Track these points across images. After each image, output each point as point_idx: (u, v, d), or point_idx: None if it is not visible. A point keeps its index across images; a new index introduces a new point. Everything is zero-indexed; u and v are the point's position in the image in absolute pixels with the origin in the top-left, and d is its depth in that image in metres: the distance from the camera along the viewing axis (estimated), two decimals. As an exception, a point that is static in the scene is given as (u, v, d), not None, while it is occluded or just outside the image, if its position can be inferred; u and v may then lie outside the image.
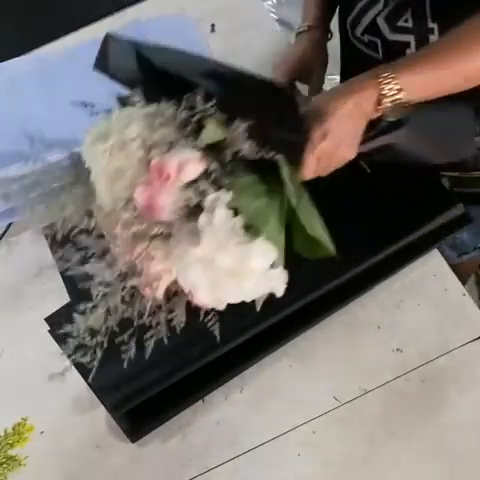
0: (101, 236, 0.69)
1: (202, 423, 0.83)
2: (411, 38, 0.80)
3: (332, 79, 1.21)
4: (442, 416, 0.80)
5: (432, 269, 0.89)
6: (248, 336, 0.80)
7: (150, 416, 0.82)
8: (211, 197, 0.62)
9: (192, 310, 0.69)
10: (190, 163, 0.62)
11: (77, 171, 0.69)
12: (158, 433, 0.83)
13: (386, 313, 0.87)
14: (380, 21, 0.82)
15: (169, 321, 0.70)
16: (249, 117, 0.65)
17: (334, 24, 0.98)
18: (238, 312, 0.69)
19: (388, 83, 0.68)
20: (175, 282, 0.68)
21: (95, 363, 0.70)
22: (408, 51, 0.82)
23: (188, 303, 0.68)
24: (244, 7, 1.27)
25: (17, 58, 1.25)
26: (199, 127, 0.65)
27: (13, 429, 0.85)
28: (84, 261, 0.70)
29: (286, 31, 1.24)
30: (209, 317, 0.70)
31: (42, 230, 0.81)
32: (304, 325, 0.85)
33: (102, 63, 0.72)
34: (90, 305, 0.68)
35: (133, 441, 0.82)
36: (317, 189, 0.72)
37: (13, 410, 0.86)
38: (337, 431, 0.81)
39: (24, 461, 0.83)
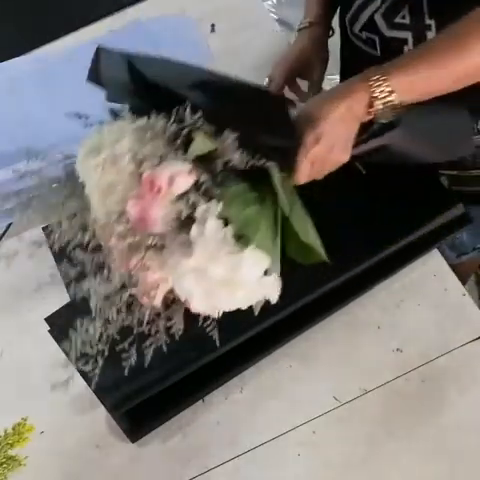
0: (97, 249, 0.70)
1: (202, 423, 0.83)
2: (408, 35, 0.81)
3: (332, 79, 1.21)
4: (442, 416, 0.80)
5: (432, 269, 0.89)
6: (247, 336, 0.80)
7: (150, 416, 0.82)
8: (202, 208, 0.63)
9: (191, 316, 0.69)
10: (181, 175, 0.63)
11: (72, 184, 0.70)
12: (158, 433, 0.83)
13: (386, 313, 0.87)
14: (378, 18, 0.82)
15: (168, 328, 0.70)
16: (241, 126, 0.66)
17: (336, 22, 0.98)
18: (237, 312, 0.69)
19: (379, 85, 0.69)
20: (172, 290, 0.69)
21: (97, 371, 0.71)
22: (406, 48, 0.82)
23: (186, 309, 0.69)
24: (244, 7, 1.27)
25: (17, 58, 1.25)
26: (188, 140, 0.65)
27: (13, 429, 0.85)
28: (81, 277, 0.70)
29: (286, 31, 1.24)
30: (208, 322, 0.70)
31: (42, 230, 0.81)
32: (304, 325, 0.85)
33: (95, 75, 0.72)
34: (88, 319, 0.69)
35: (133, 441, 0.82)
36: (317, 191, 0.73)
37: (13, 410, 0.86)
38: (337, 431, 0.81)
39: (24, 461, 0.83)
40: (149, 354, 0.70)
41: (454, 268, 0.90)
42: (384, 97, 0.69)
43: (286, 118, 0.68)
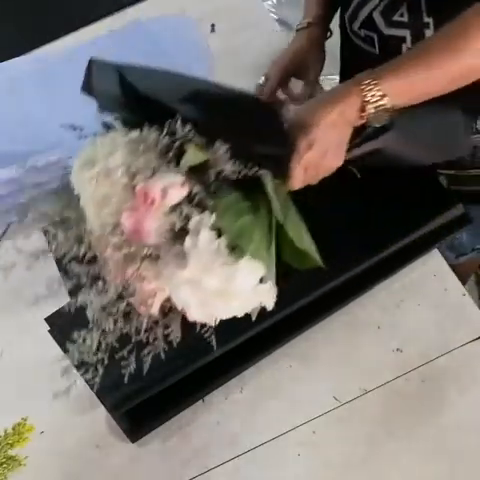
0: (92, 261, 0.70)
1: (202, 423, 0.83)
2: (407, 33, 0.81)
3: (332, 79, 1.21)
4: (442, 416, 0.80)
5: (432, 269, 0.89)
6: (246, 337, 0.80)
7: (150, 416, 0.82)
8: (195, 220, 0.63)
9: (189, 322, 0.69)
10: (174, 187, 0.63)
11: (68, 195, 0.70)
12: (158, 433, 0.83)
13: (386, 313, 0.87)
14: (376, 15, 0.82)
15: (166, 336, 0.71)
16: (233, 135, 0.66)
17: (334, 23, 0.98)
18: None
19: (371, 89, 0.69)
20: (169, 298, 0.69)
21: (97, 379, 0.71)
22: (404, 46, 0.82)
23: (184, 316, 0.69)
24: (244, 7, 1.27)
25: (17, 58, 1.25)
26: (180, 152, 0.66)
27: (13, 429, 0.85)
28: (78, 288, 0.71)
29: (286, 31, 1.24)
30: (205, 329, 0.70)
31: (42, 230, 0.81)
32: (304, 325, 0.85)
33: (88, 87, 0.72)
34: (85, 330, 0.70)
35: (133, 441, 0.82)
36: (316, 195, 0.73)
37: (13, 410, 0.86)
38: (337, 431, 0.81)
39: (24, 461, 0.83)
40: (147, 362, 0.71)
41: (453, 268, 0.90)
42: (376, 101, 0.69)
43: (278, 126, 0.68)
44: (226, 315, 0.67)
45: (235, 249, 0.64)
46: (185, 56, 1.17)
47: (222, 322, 0.69)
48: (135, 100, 0.69)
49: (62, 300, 0.82)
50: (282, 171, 0.70)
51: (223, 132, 0.66)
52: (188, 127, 0.65)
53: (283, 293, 0.71)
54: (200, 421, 0.83)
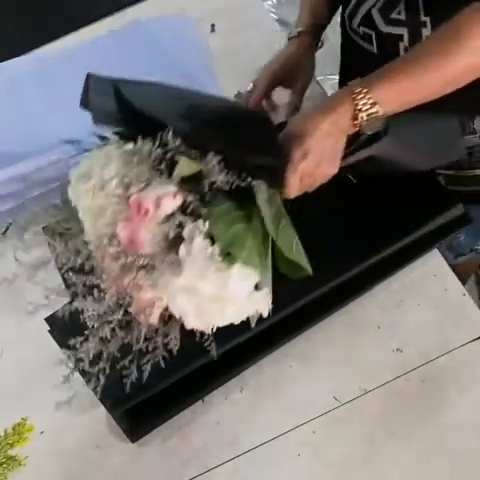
0: (90, 272, 0.71)
1: (202, 423, 0.83)
2: (404, 31, 0.81)
3: (332, 79, 1.21)
4: (442, 416, 0.80)
5: (432, 269, 0.89)
6: (246, 337, 0.80)
7: (150, 416, 0.82)
8: (189, 228, 0.65)
9: (188, 331, 0.70)
10: (167, 197, 0.64)
11: (69, 208, 0.71)
12: (158, 433, 0.83)
13: (386, 313, 0.87)
14: (375, 13, 0.82)
15: (166, 344, 0.72)
16: (227, 146, 0.67)
17: (334, 23, 0.98)
18: None
19: (362, 98, 0.69)
20: (168, 307, 0.70)
21: (99, 389, 0.72)
22: (401, 44, 0.82)
23: (183, 325, 0.70)
24: (244, 7, 1.27)
25: (17, 58, 1.25)
26: (173, 163, 0.67)
27: (13, 429, 0.85)
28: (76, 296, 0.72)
29: (286, 31, 1.24)
30: (205, 337, 0.71)
31: (42, 230, 0.81)
32: (304, 325, 0.85)
33: (86, 101, 0.73)
34: (82, 339, 0.71)
35: (133, 441, 0.82)
36: (316, 198, 0.74)
37: (13, 410, 0.86)
38: (337, 431, 0.81)
39: (24, 461, 0.83)
40: (147, 370, 0.71)
41: (453, 269, 0.90)
42: (367, 109, 0.70)
43: (272, 137, 0.69)
44: (222, 322, 0.69)
45: (228, 256, 0.65)
46: (185, 56, 1.17)
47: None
48: (130, 115, 0.70)
49: (63, 299, 0.82)
50: (277, 181, 0.71)
51: (217, 143, 0.67)
52: (178, 140, 0.66)
53: (283, 294, 0.71)
54: (200, 421, 0.83)
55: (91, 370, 0.71)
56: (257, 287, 0.68)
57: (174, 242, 0.65)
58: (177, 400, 0.83)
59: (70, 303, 0.72)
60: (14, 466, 0.83)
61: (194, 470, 0.80)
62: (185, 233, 0.65)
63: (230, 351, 0.80)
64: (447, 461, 0.78)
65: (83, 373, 0.73)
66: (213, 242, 0.65)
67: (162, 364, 0.71)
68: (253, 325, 0.71)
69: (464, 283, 0.94)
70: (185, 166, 0.66)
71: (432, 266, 0.90)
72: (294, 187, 0.72)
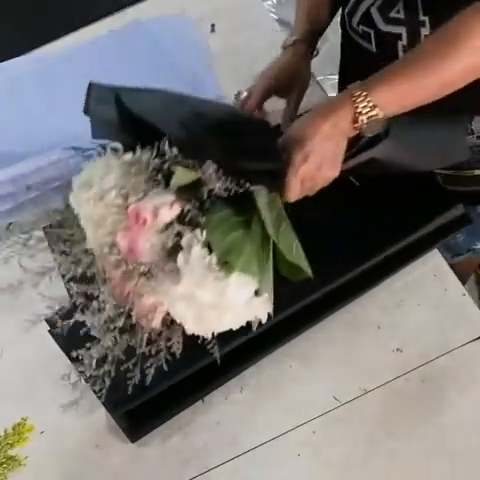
0: (90, 281, 0.72)
1: (202, 423, 0.83)
2: (403, 30, 0.81)
3: (332, 79, 1.21)
4: (442, 416, 0.80)
5: (432, 269, 0.89)
6: (247, 338, 0.80)
7: (150, 416, 0.82)
8: (187, 237, 0.65)
9: (190, 334, 0.71)
10: (165, 207, 0.65)
11: (72, 213, 0.72)
12: (158, 433, 0.83)
13: (386, 313, 0.87)
14: (374, 11, 0.83)
15: (169, 347, 0.72)
16: (227, 153, 0.67)
17: (334, 23, 0.98)
18: None
19: (361, 101, 0.69)
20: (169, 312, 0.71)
21: (104, 391, 0.72)
22: (399, 43, 0.82)
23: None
24: (244, 7, 1.27)
25: (17, 58, 1.25)
26: (170, 173, 0.67)
27: (13, 429, 0.85)
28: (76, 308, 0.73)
29: (286, 31, 1.24)
30: (207, 341, 0.72)
31: (42, 230, 0.81)
32: (304, 325, 0.85)
33: (88, 108, 0.73)
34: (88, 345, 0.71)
35: (133, 441, 0.82)
36: (316, 199, 0.74)
37: (13, 410, 0.86)
38: (337, 431, 0.81)
39: (24, 461, 0.83)
40: (150, 374, 0.72)
41: (451, 268, 0.90)
42: (367, 112, 0.70)
43: (272, 142, 0.69)
44: (222, 328, 0.69)
45: (226, 264, 0.65)
46: (185, 56, 1.17)
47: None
48: (131, 123, 0.70)
49: (57, 287, 0.82)
50: (278, 186, 0.71)
51: (217, 149, 0.67)
52: (175, 150, 0.67)
53: (284, 295, 0.71)
54: (200, 421, 0.83)
55: (96, 373, 0.72)
56: (257, 292, 0.68)
57: (173, 250, 0.66)
58: (177, 400, 0.83)
59: (70, 316, 0.72)
60: (14, 466, 0.83)
61: (194, 470, 0.80)
62: (183, 242, 0.65)
63: (230, 351, 0.80)
64: (447, 461, 0.78)
65: (87, 377, 0.73)
66: (211, 251, 0.65)
67: (165, 367, 0.72)
68: (255, 329, 0.71)
69: (464, 283, 0.94)
70: (182, 176, 0.67)
71: (432, 266, 0.90)
72: (295, 190, 0.72)
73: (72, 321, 0.72)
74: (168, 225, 0.66)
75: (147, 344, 0.72)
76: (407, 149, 0.78)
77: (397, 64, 0.72)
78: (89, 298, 0.71)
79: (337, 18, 0.97)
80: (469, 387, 0.82)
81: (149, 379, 0.72)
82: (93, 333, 0.71)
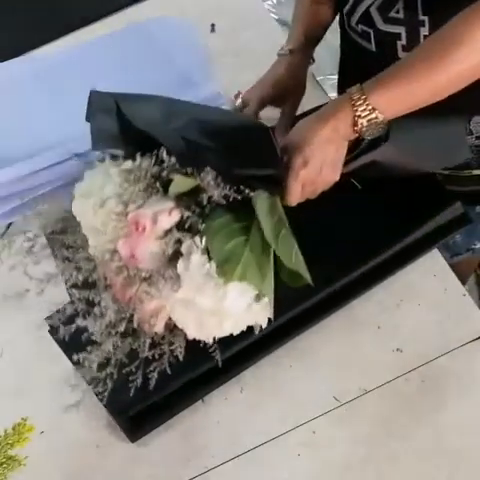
0: (92, 286, 0.72)
1: (202, 423, 0.83)
2: (402, 30, 0.81)
3: (332, 79, 1.21)
4: (442, 416, 0.80)
5: (432, 269, 0.89)
6: (249, 342, 0.80)
7: (150, 416, 0.82)
8: (187, 244, 0.66)
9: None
10: (164, 214, 0.66)
11: (74, 220, 0.73)
12: (158, 433, 0.83)
13: (386, 313, 0.87)
14: (373, 11, 0.83)
15: (172, 351, 0.73)
16: (227, 158, 0.67)
17: (333, 24, 0.98)
18: None
19: (361, 104, 0.69)
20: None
21: (106, 394, 0.73)
22: (399, 43, 0.82)
23: None
24: (244, 7, 1.27)
25: (17, 58, 1.25)
26: (168, 181, 0.68)
27: (13, 429, 0.85)
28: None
29: (286, 31, 1.24)
30: (209, 345, 0.72)
31: (42, 230, 0.81)
32: (304, 326, 0.85)
33: (90, 116, 0.73)
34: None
35: (133, 441, 0.82)
36: (317, 199, 0.75)
37: (13, 410, 0.86)
38: (337, 431, 0.81)
39: (24, 461, 0.83)
40: (154, 378, 0.72)
41: (451, 268, 0.90)
42: (366, 115, 0.70)
43: (271, 147, 0.69)
44: (222, 334, 0.70)
45: (224, 272, 0.66)
46: (184, 56, 1.17)
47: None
48: (131, 136, 0.71)
49: (62, 300, 0.82)
50: (278, 190, 0.72)
51: (217, 155, 0.68)
52: (173, 159, 0.67)
53: (285, 297, 0.71)
54: (200, 421, 0.83)
55: (99, 375, 0.72)
56: (258, 297, 0.69)
57: (173, 257, 0.67)
58: (177, 400, 0.83)
59: (72, 321, 0.73)
60: (14, 466, 0.83)
61: (194, 470, 0.80)
62: (183, 249, 0.66)
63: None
64: (447, 461, 0.78)
65: (89, 380, 0.73)
66: (211, 257, 0.66)
67: (169, 371, 0.72)
68: (257, 332, 0.72)
69: (463, 283, 0.94)
70: (180, 183, 0.67)
71: (432, 266, 0.90)
72: (296, 195, 0.73)
73: (74, 327, 0.72)
74: (167, 232, 0.67)
75: (150, 348, 0.72)
76: (408, 151, 0.78)
77: (397, 66, 0.71)
78: (91, 304, 0.72)
79: (336, 17, 0.97)
80: (469, 387, 0.82)
81: (152, 383, 0.73)
82: (94, 338, 0.71)
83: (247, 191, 0.68)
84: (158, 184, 0.68)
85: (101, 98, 0.72)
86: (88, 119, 0.73)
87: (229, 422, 0.83)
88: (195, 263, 0.65)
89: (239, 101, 0.92)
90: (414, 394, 0.82)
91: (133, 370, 0.73)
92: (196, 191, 0.68)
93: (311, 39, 0.94)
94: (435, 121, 0.78)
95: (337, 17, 0.96)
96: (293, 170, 0.72)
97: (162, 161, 0.67)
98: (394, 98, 0.70)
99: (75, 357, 0.72)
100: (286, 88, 0.91)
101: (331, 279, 0.84)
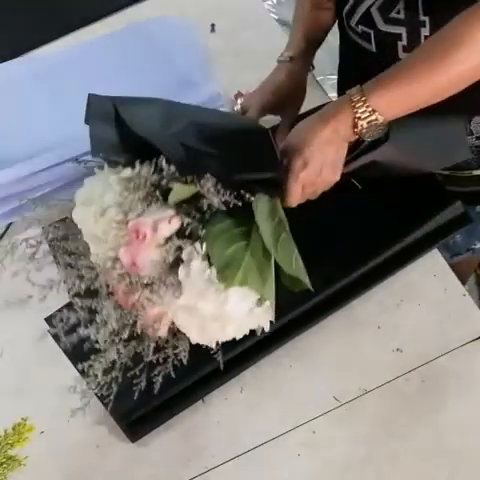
0: (94, 294, 0.73)
1: (202, 423, 0.83)
2: (403, 30, 0.81)
3: (332, 79, 1.21)
4: (442, 416, 0.80)
5: (432, 269, 0.89)
6: (249, 345, 0.80)
7: (150, 416, 0.82)
8: (187, 250, 0.66)
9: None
10: (164, 222, 0.67)
11: (77, 229, 0.74)
12: (158, 433, 0.83)
13: (386, 313, 0.87)
14: (374, 11, 0.82)
15: (176, 354, 0.73)
16: (227, 161, 0.67)
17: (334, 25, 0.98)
18: None
19: (361, 106, 0.69)
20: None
21: (111, 397, 0.73)
22: (399, 43, 0.82)
23: None
24: (244, 7, 1.27)
25: (16, 58, 1.25)
26: (168, 189, 0.68)
27: (13, 429, 0.85)
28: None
29: (286, 31, 1.24)
30: (212, 349, 0.73)
31: (42, 231, 0.81)
32: (304, 326, 0.85)
33: (88, 118, 0.74)
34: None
35: (133, 441, 0.82)
36: (317, 200, 0.75)
37: (13, 410, 0.86)
38: (337, 431, 0.81)
39: (24, 461, 0.83)
40: (158, 382, 0.73)
41: (451, 268, 0.90)
42: (366, 117, 0.70)
43: (271, 149, 0.69)
44: (225, 338, 0.71)
45: (225, 278, 0.66)
46: (184, 56, 1.17)
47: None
48: (130, 143, 0.71)
49: (62, 300, 0.82)
50: (278, 192, 0.72)
51: (217, 159, 0.68)
52: (173, 167, 0.67)
53: (285, 298, 0.71)
54: (200, 421, 0.83)
55: (104, 379, 0.73)
56: (259, 301, 0.69)
57: (174, 263, 0.67)
58: (177, 400, 0.83)
59: (74, 330, 0.73)
60: (14, 466, 0.83)
61: (194, 470, 0.80)
62: (184, 255, 0.66)
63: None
64: (447, 461, 0.78)
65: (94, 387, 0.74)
66: (211, 263, 0.66)
67: (173, 375, 0.72)
68: (259, 334, 0.73)
69: (463, 283, 0.94)
70: (180, 191, 0.67)
71: (432, 266, 0.90)
72: (296, 196, 0.73)
73: (76, 336, 0.73)
74: (168, 239, 0.67)
75: (154, 352, 0.72)
76: (408, 151, 0.78)
77: (397, 67, 0.71)
78: (93, 312, 0.72)
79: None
80: (469, 387, 0.82)
81: (157, 387, 0.73)
82: (98, 346, 0.71)
83: (248, 196, 0.68)
84: (158, 193, 0.68)
85: (99, 102, 0.72)
86: (87, 122, 0.73)
87: (229, 422, 0.83)
88: (196, 269, 0.66)
89: (238, 107, 0.91)
90: (414, 394, 0.82)
91: (137, 373, 0.73)
92: (196, 197, 0.68)
93: (312, 44, 0.94)
94: (435, 121, 0.78)
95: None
96: (293, 172, 0.72)
97: (161, 169, 0.68)
98: (394, 99, 0.70)
99: (80, 366, 0.72)
100: (287, 95, 0.90)
101: (331, 279, 0.84)
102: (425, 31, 0.79)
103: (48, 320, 0.84)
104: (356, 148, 0.76)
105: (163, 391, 0.77)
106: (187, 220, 0.67)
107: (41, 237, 0.78)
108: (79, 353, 0.73)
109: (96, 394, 0.75)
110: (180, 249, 0.66)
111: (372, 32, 0.84)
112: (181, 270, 0.66)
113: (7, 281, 0.83)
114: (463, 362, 0.83)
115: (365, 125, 0.70)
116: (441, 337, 0.84)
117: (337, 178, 0.74)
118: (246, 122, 0.85)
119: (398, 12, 0.80)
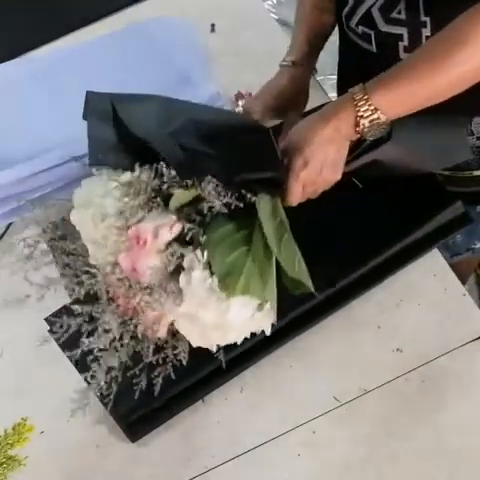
0: (94, 299, 0.73)
1: (202, 423, 0.83)
2: (404, 30, 0.81)
3: (332, 79, 1.21)
4: (442, 416, 0.80)
5: (432, 269, 0.89)
6: (250, 345, 0.80)
7: (150, 416, 0.82)
8: (188, 258, 0.66)
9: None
10: (165, 227, 0.66)
11: (71, 228, 0.74)
12: (158, 433, 0.83)
13: (386, 313, 0.87)
14: (374, 11, 0.82)
15: (175, 355, 0.73)
16: (226, 161, 0.67)
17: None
18: None
19: (363, 104, 0.69)
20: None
21: (111, 397, 0.73)
22: (400, 44, 0.82)
23: None
24: (244, 7, 1.27)
25: (16, 59, 1.25)
26: (169, 195, 0.68)
27: (13, 429, 0.85)
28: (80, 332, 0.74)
29: (286, 31, 1.24)
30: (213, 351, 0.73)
31: (42, 231, 0.81)
32: (304, 326, 0.85)
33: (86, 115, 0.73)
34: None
35: (133, 441, 0.82)
36: (317, 199, 0.75)
37: (13, 410, 0.86)
38: (337, 431, 0.81)
39: (24, 461, 0.83)
40: (158, 383, 0.73)
41: (451, 268, 0.90)
42: (369, 116, 0.69)
43: (272, 148, 0.69)
44: (226, 342, 0.71)
45: (226, 287, 0.66)
46: (184, 56, 1.17)
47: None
48: (129, 144, 0.71)
49: (63, 299, 0.82)
50: (279, 192, 0.71)
51: (216, 162, 0.67)
52: (173, 172, 0.67)
53: (285, 299, 0.71)
54: (200, 421, 0.83)
55: (105, 378, 0.73)
56: (260, 306, 0.69)
57: (175, 270, 0.67)
58: (177, 400, 0.83)
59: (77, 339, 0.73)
60: (14, 466, 0.83)
61: (194, 470, 0.80)
62: (185, 263, 0.66)
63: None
64: (447, 461, 0.78)
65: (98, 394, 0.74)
66: (213, 272, 0.66)
67: (173, 376, 0.72)
68: (258, 333, 0.73)
69: (463, 283, 0.94)
70: (181, 196, 0.67)
71: (432, 266, 0.89)
72: (296, 195, 0.73)
73: (77, 342, 0.72)
74: (168, 245, 0.67)
75: (154, 353, 0.72)
76: (410, 150, 0.78)
77: (399, 67, 0.71)
78: (93, 320, 0.72)
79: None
80: (469, 387, 0.82)
81: (157, 388, 0.73)
82: (99, 354, 0.71)
83: (249, 196, 0.68)
84: (159, 199, 0.68)
85: (97, 99, 0.72)
86: (85, 117, 0.73)
87: (229, 422, 0.83)
88: (197, 278, 0.65)
89: (240, 109, 0.91)
90: (414, 394, 0.82)
91: (137, 372, 0.73)
92: (197, 200, 0.68)
93: (315, 46, 0.93)
94: (437, 121, 0.78)
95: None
96: (293, 171, 0.71)
97: (162, 175, 0.67)
98: (396, 99, 0.70)
99: (83, 375, 0.72)
100: (289, 100, 0.90)
101: (332, 280, 0.84)
102: (426, 31, 0.79)
103: (48, 320, 0.84)
104: (357, 147, 0.75)
105: (163, 391, 0.77)
106: (188, 226, 0.66)
107: (39, 237, 0.77)
108: (83, 363, 0.73)
109: (96, 394, 0.75)
110: (181, 256, 0.66)
111: (373, 33, 0.84)
112: (182, 278, 0.66)
113: (5, 280, 0.83)
114: (463, 362, 0.83)
115: (367, 124, 0.70)
116: (441, 337, 0.85)
117: (338, 177, 0.74)
118: (246, 120, 0.85)
119: (399, 12, 0.80)
